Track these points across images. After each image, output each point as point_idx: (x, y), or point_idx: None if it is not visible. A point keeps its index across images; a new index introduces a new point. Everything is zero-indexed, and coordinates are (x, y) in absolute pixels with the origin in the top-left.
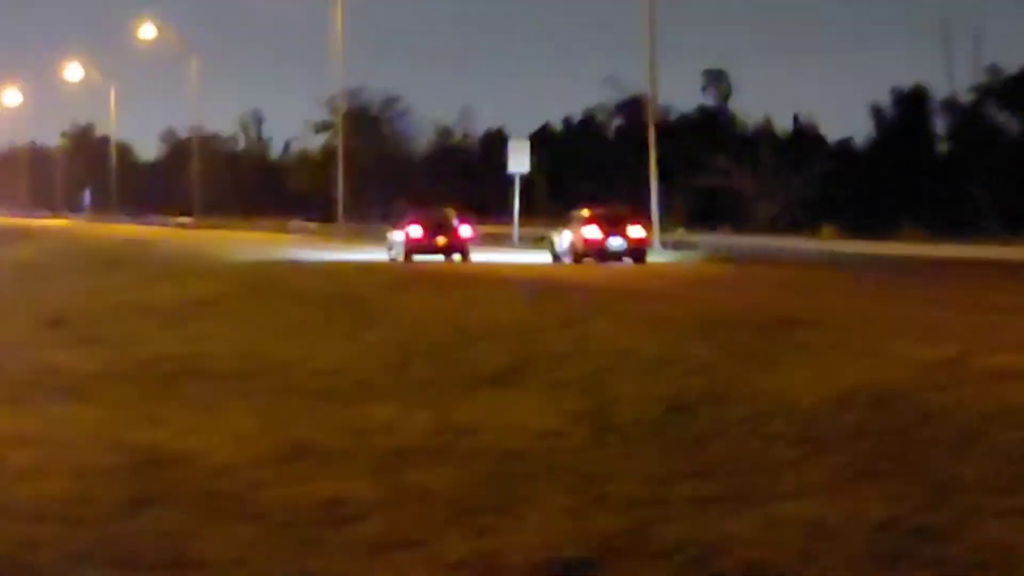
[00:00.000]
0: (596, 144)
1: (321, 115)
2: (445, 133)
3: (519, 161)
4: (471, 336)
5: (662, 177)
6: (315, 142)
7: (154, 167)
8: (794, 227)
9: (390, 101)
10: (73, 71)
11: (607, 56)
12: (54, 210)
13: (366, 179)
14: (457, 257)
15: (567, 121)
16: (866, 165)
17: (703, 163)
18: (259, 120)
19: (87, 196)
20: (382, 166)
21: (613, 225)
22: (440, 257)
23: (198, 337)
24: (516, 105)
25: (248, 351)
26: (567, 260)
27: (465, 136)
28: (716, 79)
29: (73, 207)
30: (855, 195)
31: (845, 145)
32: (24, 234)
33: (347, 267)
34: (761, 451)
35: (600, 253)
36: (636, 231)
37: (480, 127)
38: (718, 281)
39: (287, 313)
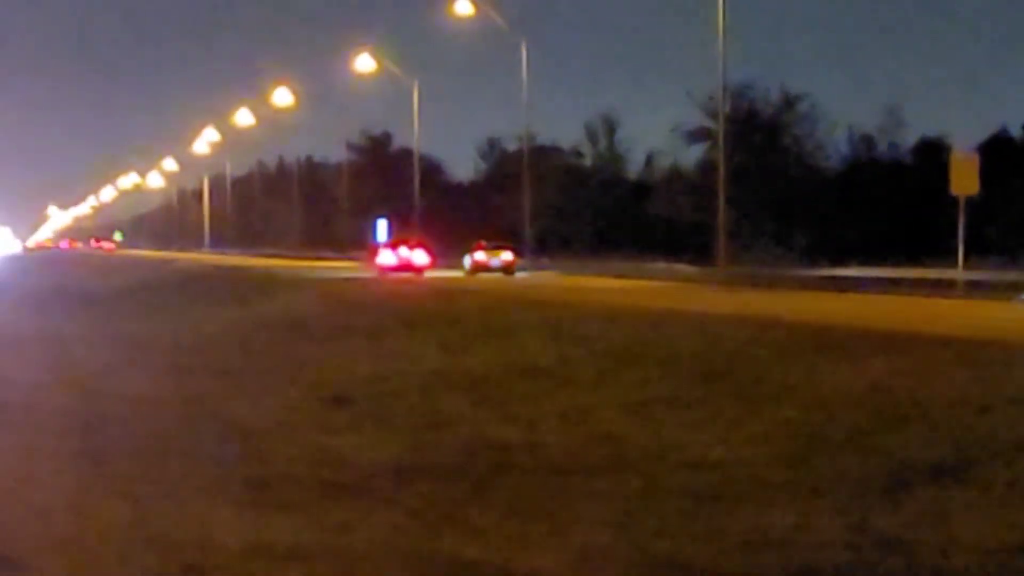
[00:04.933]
0: None
1: (697, 120)
2: (865, 143)
3: (965, 180)
4: (897, 417)
5: None
6: (688, 156)
7: (469, 189)
8: None
9: (790, 101)
10: (363, 63)
11: None
12: (339, 248)
13: (759, 205)
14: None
15: None
16: None
17: None
18: (612, 127)
19: (382, 227)
20: (778, 187)
21: (495, 250)
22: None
23: (527, 418)
24: (958, 106)
25: (596, 436)
26: (468, 272)
27: (891, 147)
28: None
29: (364, 243)
30: None
31: None
32: (298, 282)
33: (729, 326)
34: None
35: (486, 269)
36: (507, 255)
37: (911, 136)
38: None
39: (652, 387)
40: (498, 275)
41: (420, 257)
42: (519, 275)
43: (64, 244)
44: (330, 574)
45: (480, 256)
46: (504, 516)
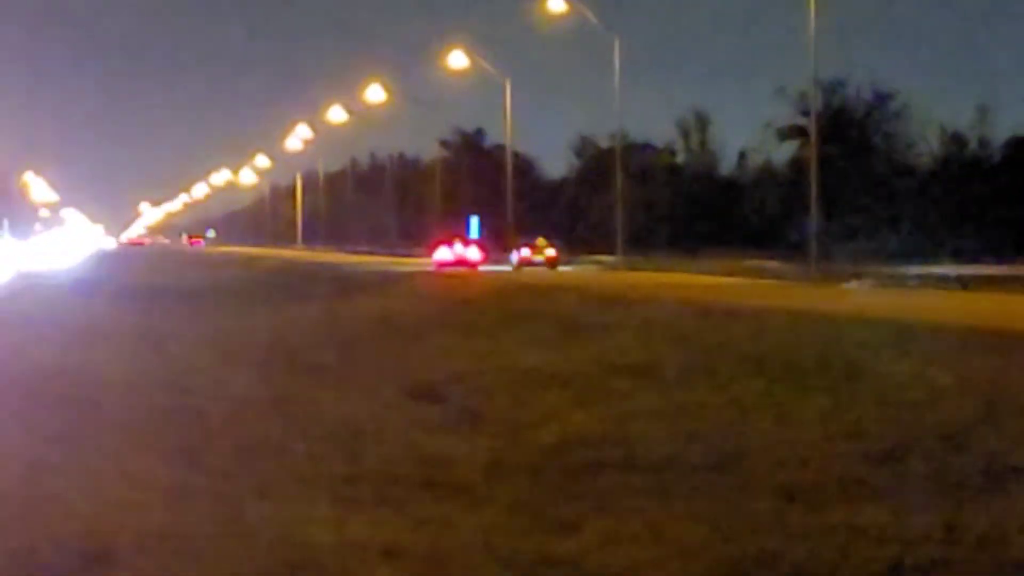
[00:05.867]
0: None
1: (788, 117)
2: (955, 141)
3: None
4: (995, 412)
5: None
6: (780, 153)
7: (562, 186)
8: None
9: (880, 98)
10: (456, 59)
11: None
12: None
13: (850, 203)
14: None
15: None
16: None
17: None
18: (704, 124)
19: (474, 224)
20: (870, 185)
21: (540, 247)
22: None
23: (622, 415)
24: None
25: (691, 435)
26: (515, 267)
27: (982, 144)
28: None
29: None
30: None
31: None
32: (391, 278)
33: (830, 323)
34: None
35: (530, 264)
36: (550, 251)
37: (1001, 132)
38: None
39: (745, 385)
40: (543, 269)
41: (473, 253)
42: (562, 269)
43: (148, 240)
44: (425, 571)
45: (526, 252)
46: (599, 513)
